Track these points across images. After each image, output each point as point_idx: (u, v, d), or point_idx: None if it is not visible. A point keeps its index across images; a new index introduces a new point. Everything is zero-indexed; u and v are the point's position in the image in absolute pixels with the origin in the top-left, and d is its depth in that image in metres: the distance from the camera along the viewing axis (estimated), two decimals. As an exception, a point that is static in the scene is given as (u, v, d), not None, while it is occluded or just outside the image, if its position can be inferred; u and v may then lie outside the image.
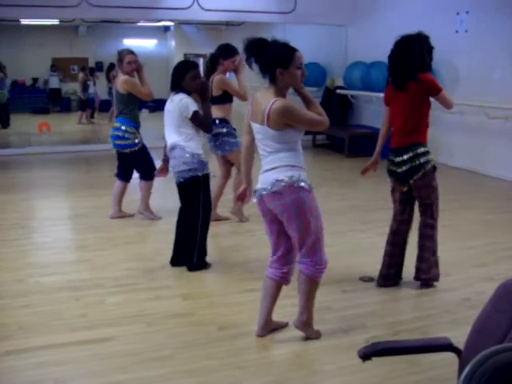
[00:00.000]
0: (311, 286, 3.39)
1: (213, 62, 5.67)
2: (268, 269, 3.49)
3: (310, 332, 3.51)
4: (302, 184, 3.17)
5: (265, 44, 3.16)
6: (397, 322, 3.80)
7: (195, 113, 4.40)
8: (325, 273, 3.41)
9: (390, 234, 4.32)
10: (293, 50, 3.13)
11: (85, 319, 3.80)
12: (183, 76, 4.44)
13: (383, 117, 4.35)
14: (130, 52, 5.85)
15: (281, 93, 3.15)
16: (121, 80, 5.75)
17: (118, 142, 5.90)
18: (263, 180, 3.25)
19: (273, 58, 3.11)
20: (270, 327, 3.58)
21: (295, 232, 3.26)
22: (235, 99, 5.78)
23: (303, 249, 3.30)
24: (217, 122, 5.55)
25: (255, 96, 3.27)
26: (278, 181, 3.16)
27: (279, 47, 3.14)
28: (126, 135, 5.83)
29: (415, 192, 4.19)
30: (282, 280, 3.47)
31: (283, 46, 3.16)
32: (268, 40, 3.18)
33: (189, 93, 4.47)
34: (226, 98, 5.66)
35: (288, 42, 3.19)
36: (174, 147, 4.52)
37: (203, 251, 4.69)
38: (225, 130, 5.64)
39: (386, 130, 4.32)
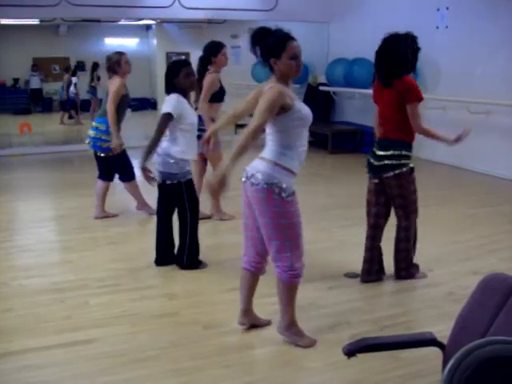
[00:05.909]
0: (288, 291, 3.30)
1: (204, 65, 5.65)
2: (243, 257, 3.46)
3: (294, 337, 3.39)
4: (281, 194, 3.07)
5: (265, 33, 3.12)
6: (382, 317, 3.81)
7: (163, 115, 4.32)
8: (303, 276, 3.33)
9: (368, 229, 4.34)
10: (285, 40, 3.07)
11: (69, 321, 3.77)
12: (177, 75, 4.40)
13: (373, 116, 4.37)
14: (123, 53, 5.86)
15: (281, 82, 3.10)
16: (121, 84, 5.71)
17: (106, 146, 5.82)
18: (252, 164, 3.18)
19: (266, 47, 3.08)
20: (251, 318, 3.55)
21: (262, 229, 3.21)
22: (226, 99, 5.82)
23: (271, 251, 3.25)
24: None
25: (260, 87, 3.22)
26: (257, 175, 3.08)
27: (274, 37, 3.09)
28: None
29: (388, 190, 4.19)
30: (258, 271, 3.43)
31: (279, 35, 3.10)
32: (271, 29, 3.13)
33: (184, 92, 4.43)
34: (214, 97, 5.64)
35: (289, 31, 3.13)
36: (158, 150, 4.46)
37: (194, 252, 4.67)
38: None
39: (377, 127, 4.30)
